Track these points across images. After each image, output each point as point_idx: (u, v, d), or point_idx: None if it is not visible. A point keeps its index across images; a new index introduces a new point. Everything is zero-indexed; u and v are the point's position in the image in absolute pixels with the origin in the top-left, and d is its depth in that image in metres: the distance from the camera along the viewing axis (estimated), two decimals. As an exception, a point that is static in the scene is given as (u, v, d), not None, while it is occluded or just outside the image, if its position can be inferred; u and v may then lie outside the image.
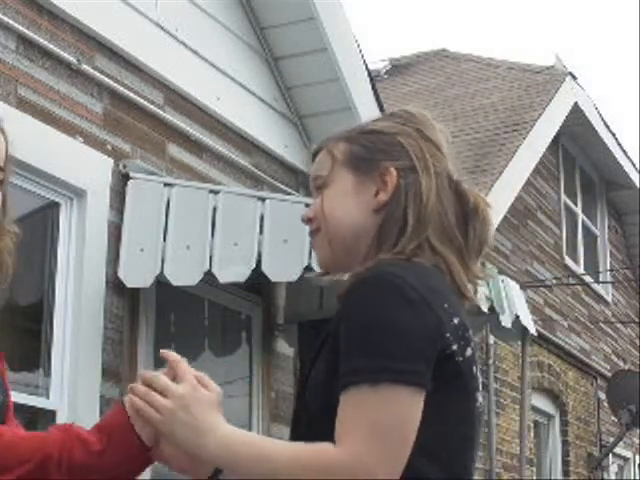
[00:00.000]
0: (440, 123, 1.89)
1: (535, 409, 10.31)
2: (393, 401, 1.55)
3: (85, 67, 4.93)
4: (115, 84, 5.12)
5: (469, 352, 1.66)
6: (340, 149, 1.84)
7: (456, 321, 1.65)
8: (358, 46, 6.49)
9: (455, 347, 1.62)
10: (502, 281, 6.26)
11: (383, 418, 1.54)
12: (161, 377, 1.78)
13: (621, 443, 11.63)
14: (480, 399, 1.70)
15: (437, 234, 1.74)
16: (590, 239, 12.72)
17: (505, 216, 9.55)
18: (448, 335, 1.62)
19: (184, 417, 1.68)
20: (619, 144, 12.32)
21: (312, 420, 1.67)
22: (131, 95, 5.23)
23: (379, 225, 1.76)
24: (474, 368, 1.68)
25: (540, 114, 10.42)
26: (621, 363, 13.11)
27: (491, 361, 9.04)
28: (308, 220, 1.88)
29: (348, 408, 1.56)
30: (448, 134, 1.89)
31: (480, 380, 1.72)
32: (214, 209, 5.02)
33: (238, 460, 1.61)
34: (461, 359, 1.64)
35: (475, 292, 1.79)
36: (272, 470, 1.57)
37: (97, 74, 5.01)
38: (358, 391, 1.56)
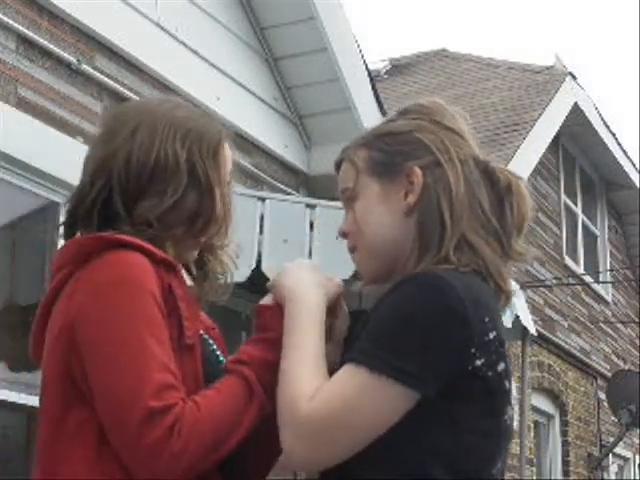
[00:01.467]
0: (456, 106, 1.84)
1: (535, 409, 10.31)
2: (377, 392, 1.57)
3: (85, 67, 4.93)
4: (115, 84, 5.13)
5: (501, 367, 1.64)
6: (360, 157, 1.80)
7: (491, 336, 1.62)
8: (358, 46, 6.50)
9: (480, 362, 1.60)
10: (502, 281, 6.26)
11: (358, 402, 1.57)
12: None
13: (621, 443, 11.63)
14: (510, 412, 1.68)
15: (472, 225, 1.71)
16: (590, 239, 12.72)
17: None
18: (474, 350, 1.60)
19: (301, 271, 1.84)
20: (619, 144, 12.33)
21: None
22: (131, 95, 5.23)
23: (417, 227, 1.72)
24: (506, 383, 1.66)
25: (540, 114, 10.42)
26: (621, 363, 13.11)
27: (491, 361, 9.03)
28: (344, 235, 1.84)
29: (341, 378, 1.60)
30: (466, 116, 1.84)
31: (512, 393, 1.70)
32: (214, 209, 5.02)
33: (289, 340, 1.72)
34: (490, 374, 1.62)
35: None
36: (282, 365, 1.68)
37: (97, 74, 5.01)
38: (356, 370, 1.59)
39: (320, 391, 1.59)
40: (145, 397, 1.60)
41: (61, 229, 1.88)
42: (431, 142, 1.76)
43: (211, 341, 1.93)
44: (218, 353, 1.93)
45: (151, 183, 1.81)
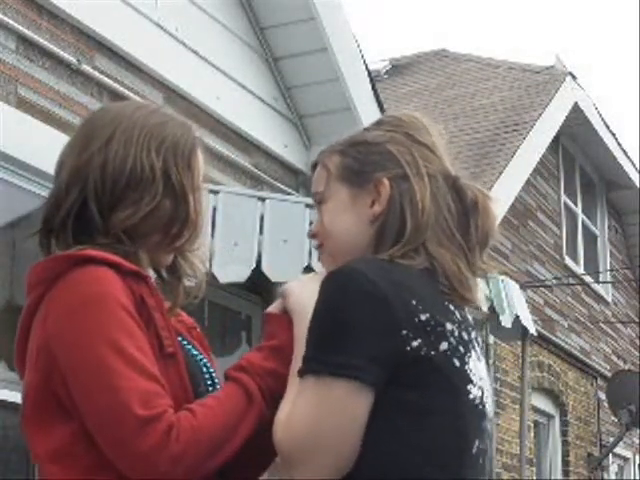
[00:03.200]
0: (435, 122, 1.90)
1: (535, 409, 10.31)
2: (329, 394, 1.60)
3: (85, 67, 4.93)
4: (115, 84, 5.12)
5: (444, 346, 1.66)
6: (333, 162, 1.85)
7: (423, 317, 1.64)
8: (358, 46, 6.49)
9: (417, 343, 1.62)
10: (502, 281, 6.27)
11: (320, 410, 1.60)
12: None
13: (621, 443, 11.63)
14: (475, 392, 1.69)
15: (435, 237, 1.75)
16: (590, 239, 12.72)
17: (505, 216, 9.55)
18: (405, 332, 1.62)
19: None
20: (619, 144, 12.33)
21: None
22: (131, 95, 5.23)
23: (375, 234, 1.78)
24: (456, 361, 1.67)
25: (540, 114, 10.42)
26: (621, 363, 13.12)
27: (491, 361, 9.04)
28: (313, 236, 1.88)
29: (297, 396, 1.64)
30: (442, 132, 1.89)
31: (475, 373, 1.71)
32: (214, 209, 5.02)
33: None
34: (434, 353, 1.64)
35: (475, 288, 1.79)
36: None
37: (97, 74, 5.01)
38: (304, 381, 1.64)
39: (287, 418, 1.64)
40: (133, 408, 1.61)
41: (36, 238, 1.87)
42: (401, 155, 1.81)
43: (190, 345, 1.93)
44: (200, 356, 1.92)
45: (126, 192, 1.81)
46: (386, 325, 1.62)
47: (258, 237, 4.93)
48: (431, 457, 1.63)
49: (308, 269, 4.83)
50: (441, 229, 1.76)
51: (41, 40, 4.69)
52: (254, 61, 6.29)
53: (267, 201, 5.05)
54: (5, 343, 4.64)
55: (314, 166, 1.92)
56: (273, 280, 5.09)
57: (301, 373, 1.64)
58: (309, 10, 6.12)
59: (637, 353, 13.80)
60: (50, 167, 4.99)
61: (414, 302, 1.65)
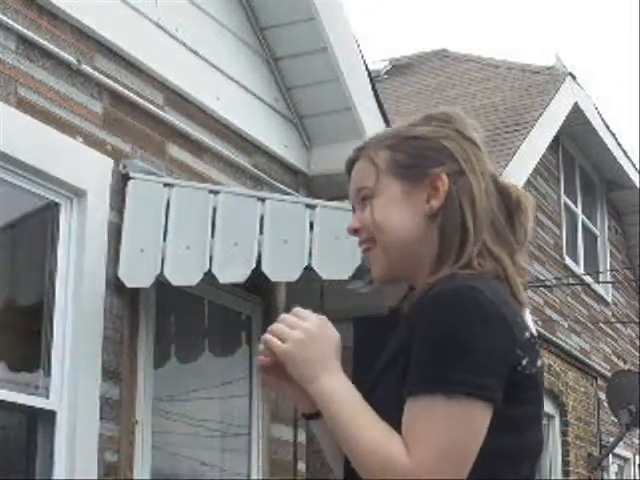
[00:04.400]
0: (456, 107, 1.90)
1: (535, 409, 10.29)
2: (465, 415, 1.57)
3: (85, 67, 4.93)
4: (115, 84, 5.12)
5: (539, 363, 1.70)
6: (382, 157, 1.82)
7: (527, 335, 1.66)
8: (358, 46, 6.49)
9: (525, 361, 1.64)
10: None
11: (454, 432, 1.56)
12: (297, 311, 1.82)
13: (621, 443, 11.62)
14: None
15: (491, 236, 1.76)
16: (590, 239, 12.72)
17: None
18: (519, 351, 1.63)
19: (303, 352, 1.72)
20: (619, 144, 12.33)
21: None
22: (131, 95, 5.23)
23: (439, 233, 1.75)
24: (541, 377, 1.71)
25: (540, 114, 10.42)
26: (621, 363, 13.11)
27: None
28: (354, 231, 1.83)
29: (419, 416, 1.58)
30: (480, 129, 1.89)
31: None
32: (214, 209, 5.02)
33: (332, 413, 1.66)
34: (534, 371, 1.66)
35: (525, 288, 1.80)
36: (347, 436, 1.62)
37: (97, 74, 5.01)
38: (432, 401, 1.57)
39: (413, 441, 1.57)
40: None
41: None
42: (456, 151, 1.79)
43: None
44: None
45: None
46: (508, 345, 1.62)
47: (258, 237, 4.92)
48: (521, 470, 1.66)
49: (308, 269, 4.83)
50: (495, 228, 1.77)
51: (41, 40, 4.69)
52: (254, 61, 6.29)
53: (267, 201, 5.04)
54: (5, 343, 4.64)
55: (351, 163, 1.87)
56: (273, 280, 5.09)
57: (423, 393, 1.58)
58: (309, 10, 6.12)
59: (637, 353, 13.79)
60: (50, 167, 4.99)
61: (519, 320, 1.66)
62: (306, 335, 1.73)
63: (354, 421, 1.62)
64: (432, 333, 1.60)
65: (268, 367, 1.79)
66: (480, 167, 1.78)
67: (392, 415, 1.61)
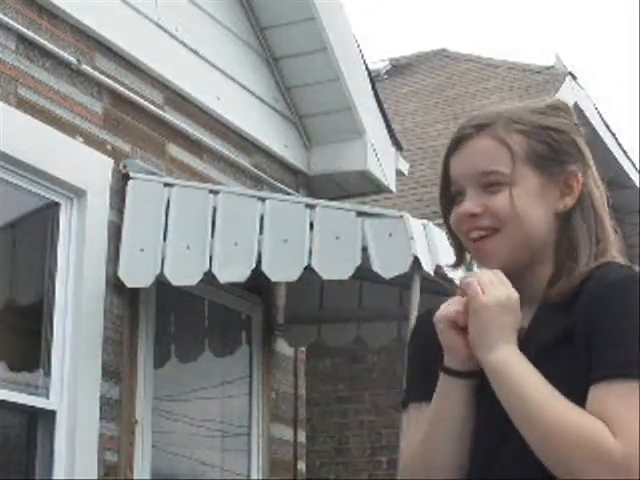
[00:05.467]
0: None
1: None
2: None
3: (85, 67, 4.93)
4: (115, 84, 5.13)
5: None
6: (518, 142, 1.71)
7: None
8: (358, 46, 6.49)
9: None
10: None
11: None
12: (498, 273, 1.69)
13: (621, 443, 11.61)
14: None
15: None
16: (590, 239, 12.71)
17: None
18: None
19: (498, 314, 1.63)
20: (619, 144, 12.32)
21: None
22: (131, 95, 5.23)
23: (572, 231, 1.71)
24: None
25: (540, 114, 10.41)
26: (621, 363, 13.10)
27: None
28: (474, 215, 1.71)
29: (620, 401, 1.53)
30: None
31: None
32: (214, 209, 5.02)
33: (512, 382, 1.58)
34: None
35: None
36: (540, 419, 1.55)
37: (97, 74, 5.01)
38: (631, 386, 1.53)
39: (620, 426, 1.51)
40: None
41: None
42: (583, 147, 1.75)
43: None
44: None
45: None
46: None
47: (258, 237, 4.93)
48: None
49: (308, 269, 4.84)
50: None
51: (41, 40, 4.69)
52: (254, 61, 6.29)
53: (267, 201, 5.04)
54: (5, 343, 4.64)
55: (465, 137, 1.73)
56: (273, 280, 5.09)
57: (622, 377, 1.53)
58: (309, 10, 6.12)
59: (637, 353, 13.78)
60: (50, 167, 4.99)
61: None
62: (507, 300, 1.63)
63: (547, 403, 1.55)
64: (624, 317, 1.57)
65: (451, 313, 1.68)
66: (594, 162, 1.76)
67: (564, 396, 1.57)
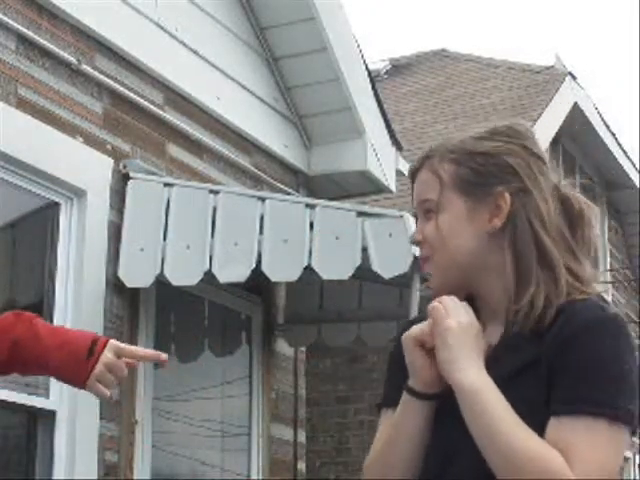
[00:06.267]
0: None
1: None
2: (621, 442, 1.65)
3: (85, 67, 4.93)
4: (115, 84, 5.13)
5: None
6: (447, 171, 1.81)
7: None
8: (358, 46, 6.49)
9: None
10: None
11: (612, 456, 1.64)
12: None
13: (621, 443, 11.61)
14: None
15: (564, 252, 1.77)
16: (590, 239, 12.70)
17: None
18: None
19: (464, 337, 1.70)
20: (619, 144, 12.32)
21: None
22: (131, 95, 5.23)
23: (512, 251, 1.75)
24: None
25: (540, 114, 10.42)
26: (621, 363, 13.09)
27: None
28: (417, 243, 1.84)
29: (582, 436, 1.62)
30: (537, 137, 1.89)
31: None
32: (214, 209, 5.02)
33: (480, 408, 1.65)
34: None
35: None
36: (504, 445, 1.62)
37: (97, 74, 5.01)
38: (595, 422, 1.62)
39: (577, 459, 1.61)
40: None
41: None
42: (521, 168, 1.78)
43: None
44: None
45: None
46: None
47: (258, 237, 4.93)
48: None
49: (308, 269, 4.84)
50: (565, 245, 1.77)
51: (41, 40, 4.69)
52: (254, 61, 6.29)
53: (267, 201, 5.05)
54: (5, 343, 4.64)
55: (414, 172, 1.87)
56: (273, 280, 5.09)
57: (587, 415, 1.62)
58: (309, 10, 6.12)
59: (637, 353, 13.77)
60: (50, 167, 4.99)
61: None
62: (469, 325, 1.72)
63: (512, 430, 1.63)
64: (595, 358, 1.65)
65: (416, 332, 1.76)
66: (546, 183, 1.78)
67: (530, 416, 1.66)
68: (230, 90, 6.03)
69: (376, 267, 4.76)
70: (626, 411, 1.63)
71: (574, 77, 11.16)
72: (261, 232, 4.94)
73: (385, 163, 6.66)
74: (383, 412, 1.87)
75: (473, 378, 1.67)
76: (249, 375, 6.11)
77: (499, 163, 1.79)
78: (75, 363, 2.21)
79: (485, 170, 1.79)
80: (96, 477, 4.66)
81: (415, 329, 1.75)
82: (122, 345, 2.23)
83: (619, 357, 1.65)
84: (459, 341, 1.70)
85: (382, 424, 1.85)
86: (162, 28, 5.48)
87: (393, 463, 1.78)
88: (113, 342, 2.20)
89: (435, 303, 1.74)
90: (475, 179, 1.79)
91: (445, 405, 1.73)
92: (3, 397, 4.37)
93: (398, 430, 1.77)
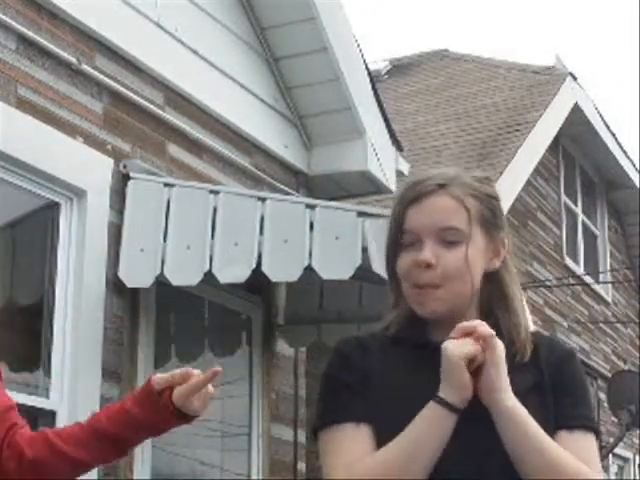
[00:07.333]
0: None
1: (535, 409, 10.28)
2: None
3: (85, 67, 4.93)
4: (115, 84, 5.12)
5: None
6: (472, 205, 1.91)
7: None
8: (358, 46, 6.49)
9: None
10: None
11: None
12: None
13: (621, 443, 11.61)
14: None
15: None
16: (590, 239, 12.72)
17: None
18: None
19: (504, 365, 1.84)
20: (619, 144, 12.32)
21: None
22: (131, 95, 5.23)
23: (495, 286, 1.96)
24: None
25: (541, 114, 10.42)
26: (621, 363, 13.11)
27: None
28: (429, 266, 1.88)
29: (589, 445, 1.91)
30: None
31: None
32: (214, 209, 5.02)
33: (523, 428, 1.82)
34: None
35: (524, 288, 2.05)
36: (553, 457, 1.83)
37: (97, 74, 5.01)
38: (589, 434, 1.92)
39: (592, 465, 1.87)
40: None
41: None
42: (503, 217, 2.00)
43: None
44: None
45: None
46: None
47: (258, 237, 4.92)
48: None
49: (308, 269, 4.83)
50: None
51: (41, 40, 4.69)
52: (254, 61, 6.29)
53: (267, 201, 5.04)
54: (5, 343, 4.64)
55: (427, 193, 1.91)
56: (273, 280, 5.09)
57: (588, 429, 1.91)
58: (309, 10, 6.12)
59: (637, 353, 13.78)
60: (50, 167, 4.97)
61: None
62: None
63: (549, 443, 1.84)
64: (583, 381, 1.96)
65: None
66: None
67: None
68: (230, 90, 6.03)
69: (376, 267, 4.76)
70: (595, 424, 1.94)
71: (574, 77, 11.16)
72: (261, 232, 4.94)
73: (385, 163, 6.66)
74: (348, 427, 1.87)
75: (513, 402, 1.82)
76: (249, 375, 6.11)
77: (501, 209, 1.98)
78: (154, 406, 2.27)
79: (498, 214, 1.96)
80: (96, 477, 4.65)
81: (469, 348, 1.81)
82: (165, 374, 2.24)
83: (586, 381, 1.97)
84: (504, 369, 1.83)
85: (349, 439, 1.86)
86: (162, 28, 5.48)
87: (418, 472, 1.82)
88: (155, 377, 2.24)
89: (489, 329, 1.82)
90: (492, 220, 1.94)
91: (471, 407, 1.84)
92: (3, 397, 4.36)
93: (422, 445, 1.81)
